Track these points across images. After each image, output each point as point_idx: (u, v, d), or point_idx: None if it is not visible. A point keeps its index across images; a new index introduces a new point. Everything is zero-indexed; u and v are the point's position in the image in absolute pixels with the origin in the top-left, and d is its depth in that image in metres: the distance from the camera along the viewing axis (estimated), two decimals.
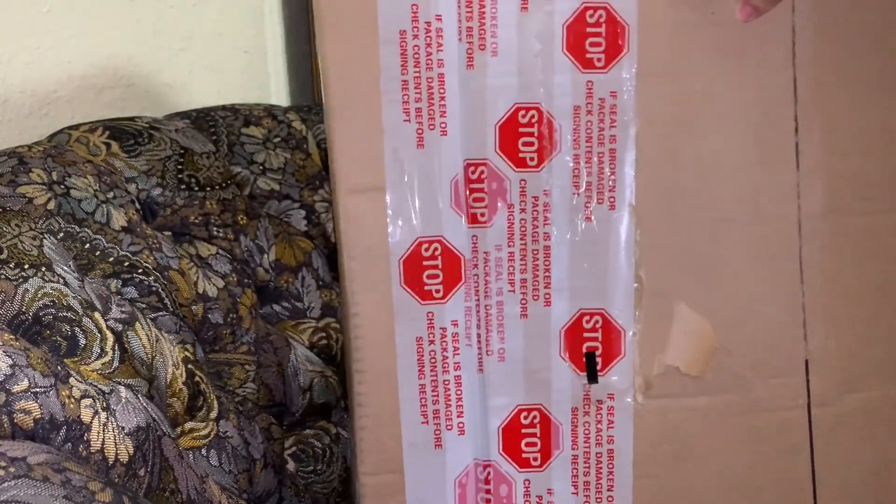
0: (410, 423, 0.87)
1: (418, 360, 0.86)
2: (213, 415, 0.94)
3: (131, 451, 0.81)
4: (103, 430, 0.79)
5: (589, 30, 0.82)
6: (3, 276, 0.82)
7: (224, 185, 1.06)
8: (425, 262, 0.85)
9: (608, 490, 0.88)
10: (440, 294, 0.86)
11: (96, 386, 0.81)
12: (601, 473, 0.88)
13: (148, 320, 0.91)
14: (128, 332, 0.88)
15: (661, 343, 0.87)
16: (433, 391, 0.87)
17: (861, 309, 0.88)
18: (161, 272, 0.96)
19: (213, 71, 1.33)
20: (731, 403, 0.88)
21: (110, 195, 0.96)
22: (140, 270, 0.94)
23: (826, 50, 0.84)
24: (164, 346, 0.92)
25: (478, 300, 0.86)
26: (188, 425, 0.92)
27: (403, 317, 0.86)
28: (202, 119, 1.10)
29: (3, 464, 0.68)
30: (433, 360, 0.86)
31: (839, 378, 0.88)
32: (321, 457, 1.06)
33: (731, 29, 0.83)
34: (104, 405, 0.80)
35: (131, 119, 1.06)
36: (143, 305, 0.93)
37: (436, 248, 0.85)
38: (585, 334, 0.87)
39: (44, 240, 0.88)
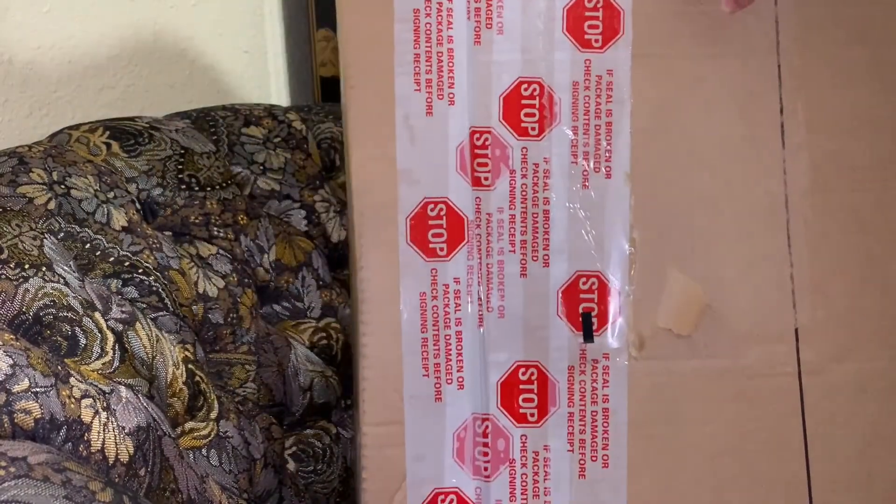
0: (412, 376, 0.90)
1: (421, 314, 0.90)
2: (214, 415, 0.94)
3: (131, 450, 0.81)
4: (104, 430, 0.79)
5: (587, 13, 0.88)
6: (3, 276, 0.82)
7: (224, 185, 1.06)
8: (431, 222, 0.89)
9: (603, 448, 0.90)
10: (444, 252, 0.90)
11: (97, 386, 0.81)
12: (596, 431, 0.90)
13: (148, 320, 0.92)
14: (128, 332, 0.89)
15: (654, 305, 0.90)
16: (434, 345, 0.90)
17: (848, 282, 0.91)
18: (161, 272, 0.96)
19: (213, 71, 1.34)
20: (723, 368, 0.90)
21: (111, 195, 0.96)
22: (140, 270, 0.94)
23: (808, 39, 0.89)
24: (165, 345, 0.92)
25: (479, 259, 0.90)
26: (188, 425, 0.92)
27: (409, 273, 0.90)
28: (202, 119, 1.10)
29: (4, 464, 0.69)
30: (435, 315, 0.90)
31: (829, 348, 0.91)
32: (321, 457, 1.06)
33: (719, 17, 0.89)
34: (104, 405, 0.80)
35: (131, 119, 1.06)
36: (144, 305, 0.93)
37: (441, 209, 0.89)
38: (582, 295, 0.90)
39: (44, 240, 0.88)
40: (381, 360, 0.90)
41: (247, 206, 1.07)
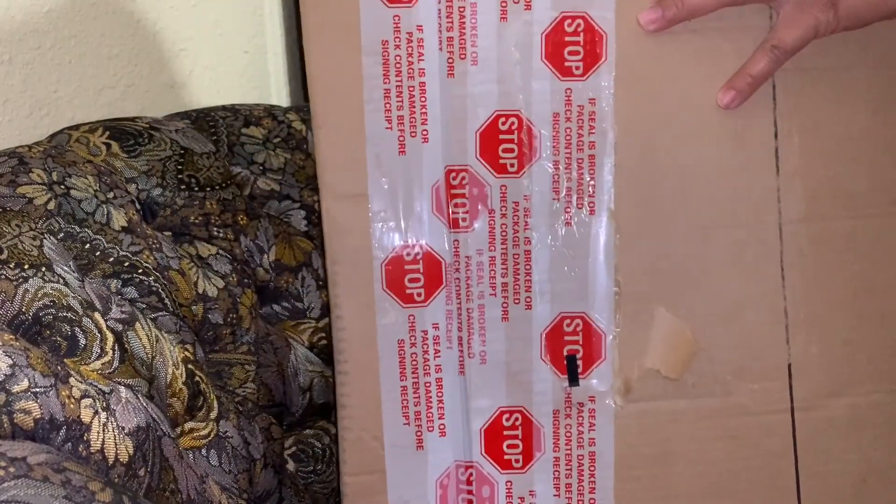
0: (392, 424, 0.88)
1: (400, 362, 0.88)
2: (213, 415, 0.94)
3: (131, 451, 0.81)
4: (103, 430, 0.79)
5: (567, 38, 0.83)
6: (3, 276, 0.82)
7: (224, 185, 1.06)
8: (407, 266, 0.86)
9: (590, 493, 0.88)
10: (421, 297, 0.87)
11: (96, 386, 0.81)
12: (583, 476, 0.88)
13: (148, 320, 0.92)
14: (128, 333, 0.89)
15: (642, 346, 0.87)
16: (414, 393, 0.88)
17: (844, 314, 0.88)
18: (161, 272, 0.96)
19: (213, 71, 1.34)
20: (713, 408, 0.88)
21: (110, 195, 0.96)
22: (140, 270, 0.94)
23: (805, 59, 0.84)
24: (165, 346, 0.92)
25: (459, 303, 0.87)
26: (188, 425, 0.92)
27: (385, 320, 0.87)
28: (202, 119, 1.10)
29: (3, 464, 0.69)
30: (414, 363, 0.88)
31: (823, 383, 0.88)
32: (321, 457, 1.06)
33: (708, 36, 0.84)
34: (104, 405, 0.80)
35: (131, 119, 1.06)
36: (144, 305, 0.93)
37: (417, 253, 0.86)
38: (566, 337, 0.87)
39: (44, 240, 0.88)
40: (360, 409, 0.88)
41: (246, 206, 1.07)
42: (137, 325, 0.90)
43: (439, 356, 0.88)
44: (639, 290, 0.86)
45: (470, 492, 0.89)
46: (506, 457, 0.89)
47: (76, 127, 1.03)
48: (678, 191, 0.86)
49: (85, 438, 0.78)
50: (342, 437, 0.89)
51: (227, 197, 1.05)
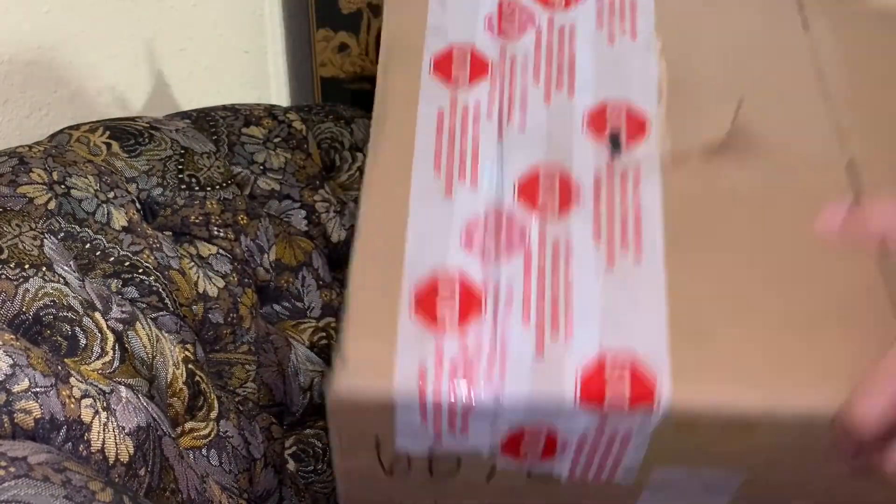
0: (421, 176, 0.87)
1: (437, 125, 0.89)
2: (214, 415, 0.94)
3: (132, 450, 0.81)
4: (104, 430, 0.79)
5: None
6: (3, 276, 0.82)
7: (224, 184, 1.06)
8: (455, 61, 0.93)
9: (634, 243, 0.85)
10: (466, 81, 0.92)
11: (97, 386, 0.81)
12: (626, 227, 0.86)
13: (148, 320, 0.92)
14: (128, 332, 0.89)
15: (688, 127, 0.90)
16: (449, 151, 0.90)
17: (889, 126, 0.91)
18: (161, 272, 0.96)
19: (213, 71, 1.34)
20: (765, 184, 0.87)
21: (111, 195, 0.96)
22: (140, 270, 0.94)
23: None
24: (165, 345, 0.92)
25: (502, 89, 0.91)
26: (188, 425, 0.92)
27: (428, 98, 0.91)
28: (202, 119, 1.10)
29: (4, 464, 0.69)
30: (452, 128, 0.90)
31: (883, 176, 0.88)
32: (321, 456, 1.06)
33: None
34: (104, 405, 0.80)
35: (131, 119, 1.06)
36: (144, 305, 0.93)
37: (466, 53, 0.93)
38: (610, 117, 0.91)
39: (44, 240, 0.88)
40: (390, 164, 0.86)
41: (247, 206, 1.07)
42: (138, 324, 0.90)
43: (478, 124, 0.90)
44: (685, 79, 0.91)
45: (499, 233, 0.86)
46: (541, 202, 0.86)
47: (76, 127, 1.03)
48: (716, 23, 0.94)
49: (85, 438, 0.78)
50: (365, 184, 0.87)
51: (228, 196, 1.05)
